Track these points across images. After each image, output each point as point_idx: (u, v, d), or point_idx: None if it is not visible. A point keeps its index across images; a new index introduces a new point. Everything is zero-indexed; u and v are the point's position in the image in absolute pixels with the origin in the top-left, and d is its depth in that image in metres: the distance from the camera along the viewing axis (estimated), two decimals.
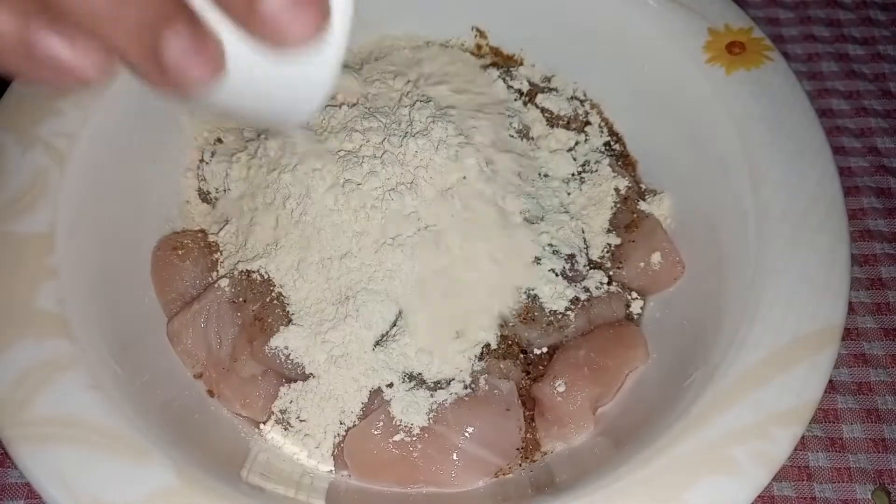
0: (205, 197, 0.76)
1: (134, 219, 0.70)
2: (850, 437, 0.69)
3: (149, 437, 0.53)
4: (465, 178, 0.68)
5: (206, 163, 0.75)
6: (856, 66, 0.89)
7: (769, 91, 0.66)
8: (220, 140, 0.77)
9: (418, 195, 0.66)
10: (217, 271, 0.71)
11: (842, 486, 0.67)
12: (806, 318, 0.56)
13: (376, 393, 0.64)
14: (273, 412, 0.66)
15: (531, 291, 0.68)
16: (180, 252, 0.71)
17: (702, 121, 0.69)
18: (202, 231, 0.74)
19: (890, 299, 0.76)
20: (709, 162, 0.69)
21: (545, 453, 0.65)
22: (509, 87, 0.79)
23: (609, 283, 0.71)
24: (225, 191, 0.74)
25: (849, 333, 0.74)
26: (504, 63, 0.83)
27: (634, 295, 0.72)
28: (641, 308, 0.72)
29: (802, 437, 0.65)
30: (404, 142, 0.68)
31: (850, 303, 0.74)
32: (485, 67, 0.82)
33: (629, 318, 0.71)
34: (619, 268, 0.72)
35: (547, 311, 0.67)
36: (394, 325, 0.66)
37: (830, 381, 0.70)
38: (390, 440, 0.63)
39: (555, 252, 0.69)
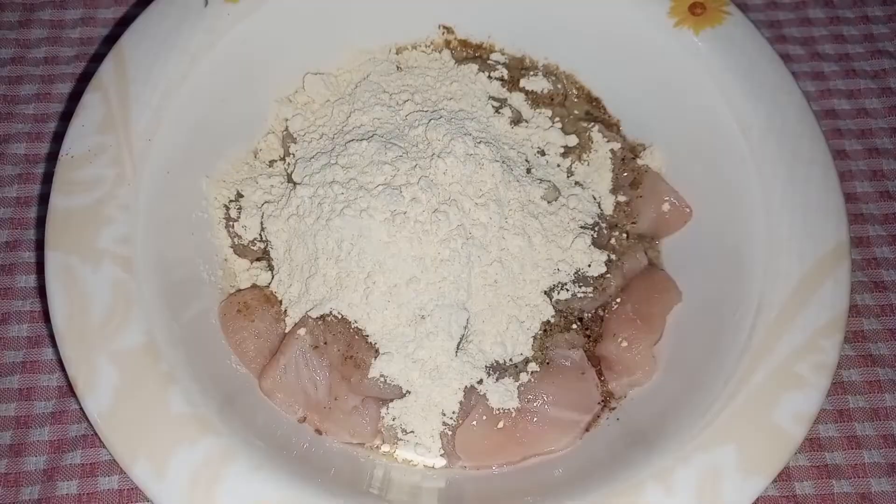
0: (240, 252, 0.79)
1: (194, 295, 0.73)
2: (862, 434, 0.78)
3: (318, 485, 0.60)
4: (491, 181, 0.75)
5: (235, 219, 0.78)
6: (856, 65, 0.96)
7: (737, 44, 0.75)
8: (240, 194, 0.79)
9: (460, 209, 0.72)
10: (284, 321, 0.75)
11: (858, 482, 0.76)
12: (821, 241, 0.67)
13: (471, 390, 0.72)
14: (380, 431, 0.73)
15: (572, 265, 0.76)
16: (244, 313, 0.74)
17: (679, 80, 0.78)
18: (254, 286, 0.77)
19: (892, 301, 0.84)
20: (693, 115, 0.77)
21: (620, 398, 0.75)
22: (490, 77, 0.84)
23: (627, 238, 0.80)
24: (265, 242, 0.77)
25: (855, 336, 0.82)
26: (476, 52, 0.88)
27: (649, 242, 0.82)
28: (658, 252, 0.82)
29: (819, 439, 0.77)
30: (433, 163, 0.73)
31: (854, 306, 0.82)
32: (460, 62, 0.86)
33: (651, 263, 0.81)
34: (633, 223, 0.81)
35: (590, 278, 0.76)
36: (465, 327, 0.74)
37: (841, 383, 0.79)
38: (494, 428, 0.71)
39: (582, 225, 0.77)
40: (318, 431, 0.73)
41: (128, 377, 0.61)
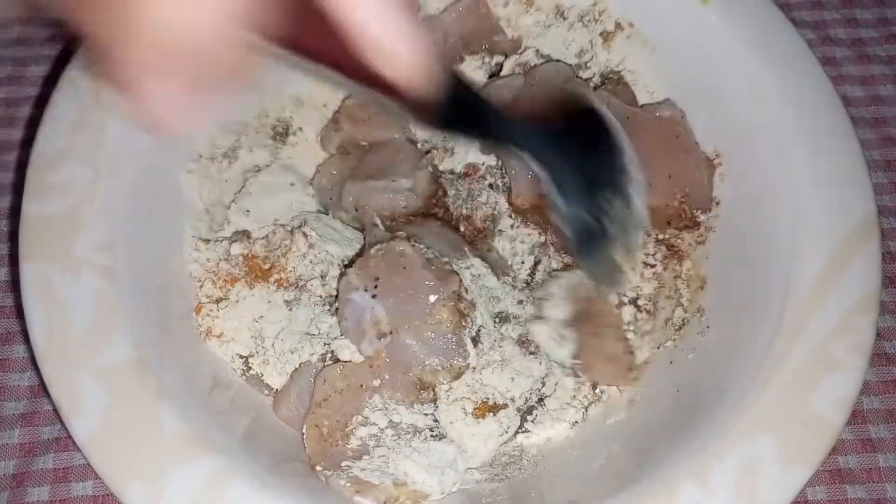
0: None
1: (184, 302, 0.68)
2: (877, 437, 0.74)
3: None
4: None
5: None
6: (870, 50, 0.92)
7: (745, 11, 0.71)
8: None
9: None
10: None
11: (873, 487, 0.72)
12: (848, 214, 0.63)
13: None
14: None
15: None
16: None
17: (688, 53, 0.74)
18: None
19: None
20: (705, 85, 0.73)
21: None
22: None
23: None
24: None
25: None
26: None
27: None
28: None
29: None
30: None
31: None
32: None
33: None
34: None
35: None
36: None
37: None
38: None
39: None
40: None
41: (116, 396, 0.56)
